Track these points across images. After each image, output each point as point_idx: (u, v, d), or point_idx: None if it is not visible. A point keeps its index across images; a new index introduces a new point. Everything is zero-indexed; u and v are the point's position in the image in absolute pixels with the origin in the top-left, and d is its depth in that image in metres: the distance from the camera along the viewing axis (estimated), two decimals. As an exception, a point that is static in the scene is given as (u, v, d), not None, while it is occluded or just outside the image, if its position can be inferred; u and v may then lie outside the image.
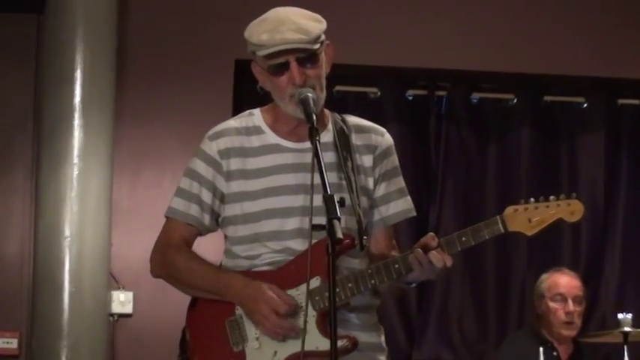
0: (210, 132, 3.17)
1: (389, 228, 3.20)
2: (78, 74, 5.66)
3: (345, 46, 6.31)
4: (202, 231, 3.17)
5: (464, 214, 6.52)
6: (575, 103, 6.68)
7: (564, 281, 5.48)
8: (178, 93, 6.14)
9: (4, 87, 6.10)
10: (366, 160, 3.15)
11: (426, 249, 2.97)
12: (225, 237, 3.19)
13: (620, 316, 5.41)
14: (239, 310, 3.04)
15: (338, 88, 6.39)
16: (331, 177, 3.00)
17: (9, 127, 6.09)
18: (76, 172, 5.59)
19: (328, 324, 2.89)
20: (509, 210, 3.03)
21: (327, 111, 3.18)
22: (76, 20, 5.70)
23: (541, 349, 5.26)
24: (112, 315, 5.84)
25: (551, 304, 5.42)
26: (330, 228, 2.73)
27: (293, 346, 2.98)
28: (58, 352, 5.47)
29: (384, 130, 3.20)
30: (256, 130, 3.15)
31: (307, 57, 3.01)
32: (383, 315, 6.36)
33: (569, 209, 3.03)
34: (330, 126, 3.15)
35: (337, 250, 2.86)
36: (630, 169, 6.71)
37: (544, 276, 5.54)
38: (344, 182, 3.08)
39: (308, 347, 2.96)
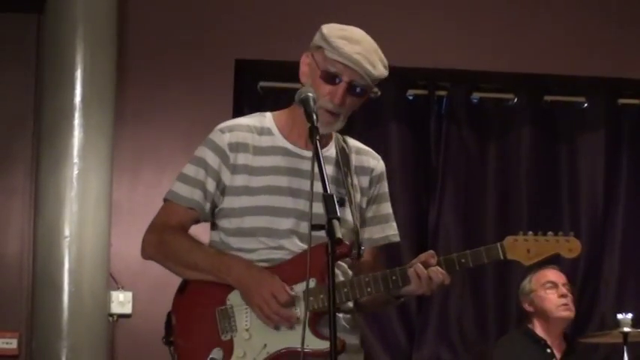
0: (222, 125, 3.23)
1: (374, 249, 3.32)
2: (78, 74, 5.66)
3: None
4: (201, 218, 3.20)
5: (464, 214, 6.52)
6: (575, 103, 6.68)
7: (551, 272, 5.56)
8: (178, 93, 6.13)
9: (4, 87, 6.10)
10: (363, 181, 3.26)
11: (426, 265, 3.08)
12: (215, 229, 3.22)
13: (619, 316, 5.42)
14: (230, 301, 3.09)
15: (338, 88, 6.39)
16: (332, 190, 3.07)
17: (9, 127, 6.08)
18: (76, 172, 5.60)
19: (320, 325, 3.00)
20: (509, 239, 3.17)
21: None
22: (76, 20, 5.70)
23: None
24: (111, 315, 5.84)
25: (543, 293, 5.49)
26: (329, 228, 2.76)
27: (283, 341, 3.04)
28: (58, 352, 5.48)
29: (379, 155, 3.31)
30: (267, 131, 3.22)
31: (357, 87, 3.11)
32: (383, 315, 6.40)
33: (568, 246, 3.21)
34: (333, 142, 3.25)
35: (337, 254, 2.91)
36: (630, 169, 6.70)
37: (528, 277, 5.58)
38: (343, 196, 3.17)
39: (299, 345, 2.98)
